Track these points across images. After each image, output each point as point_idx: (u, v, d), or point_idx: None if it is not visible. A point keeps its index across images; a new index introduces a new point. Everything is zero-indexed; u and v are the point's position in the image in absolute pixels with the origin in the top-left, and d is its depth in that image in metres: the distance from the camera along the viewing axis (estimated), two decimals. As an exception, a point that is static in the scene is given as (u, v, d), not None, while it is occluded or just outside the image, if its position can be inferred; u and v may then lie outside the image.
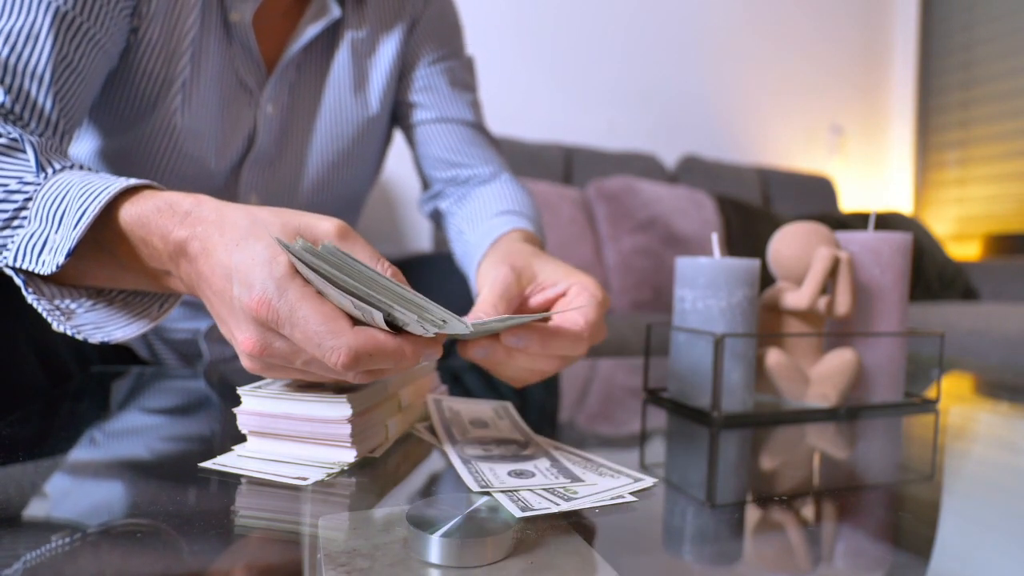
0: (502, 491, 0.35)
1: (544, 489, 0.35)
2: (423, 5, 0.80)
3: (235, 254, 0.36)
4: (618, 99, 2.51)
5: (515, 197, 0.77)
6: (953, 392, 0.76)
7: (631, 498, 0.35)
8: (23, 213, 0.45)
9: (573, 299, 0.48)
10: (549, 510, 0.32)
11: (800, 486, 0.42)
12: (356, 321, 0.35)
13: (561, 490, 0.35)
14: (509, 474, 0.37)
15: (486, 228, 0.70)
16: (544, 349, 0.44)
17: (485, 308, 0.46)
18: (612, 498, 0.35)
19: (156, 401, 0.59)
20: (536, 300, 0.50)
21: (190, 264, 0.39)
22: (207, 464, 0.39)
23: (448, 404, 0.51)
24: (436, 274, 0.87)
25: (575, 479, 0.37)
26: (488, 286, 0.48)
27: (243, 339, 0.36)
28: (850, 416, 0.59)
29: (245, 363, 0.37)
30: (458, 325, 0.35)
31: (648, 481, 0.38)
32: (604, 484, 0.37)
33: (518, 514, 0.31)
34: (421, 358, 0.36)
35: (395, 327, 0.35)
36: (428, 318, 0.34)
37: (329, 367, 0.34)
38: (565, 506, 0.33)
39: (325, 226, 0.38)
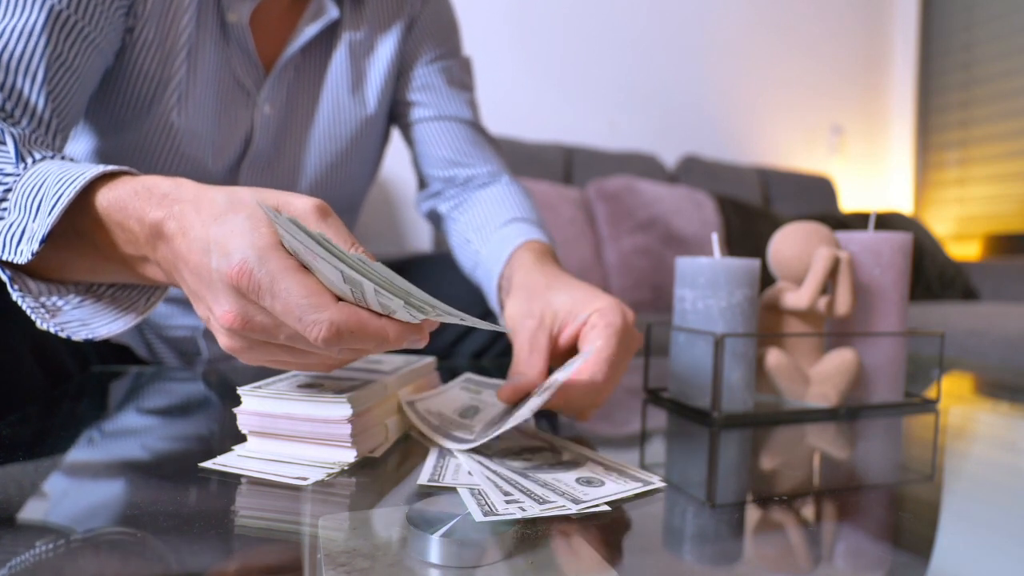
0: (469, 490, 0.34)
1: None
2: (420, 5, 0.80)
3: (213, 227, 0.35)
4: (618, 99, 2.51)
5: (518, 202, 0.77)
6: (953, 392, 0.76)
7: (606, 507, 0.34)
8: (3, 204, 0.45)
9: (590, 333, 0.48)
10: (514, 515, 0.31)
11: (800, 486, 0.42)
12: (339, 298, 0.34)
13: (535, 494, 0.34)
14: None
15: (497, 240, 0.70)
16: (569, 406, 0.46)
17: (527, 373, 0.47)
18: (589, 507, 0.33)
19: (156, 401, 0.59)
20: (564, 338, 0.50)
21: (166, 245, 0.38)
22: (207, 464, 0.39)
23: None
24: (436, 274, 0.87)
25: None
26: (523, 347, 0.49)
27: (222, 313, 0.34)
28: (850, 416, 0.59)
29: (224, 341, 0.36)
30: (445, 316, 0.34)
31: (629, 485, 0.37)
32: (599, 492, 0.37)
33: (479, 517, 0.30)
34: (404, 342, 0.35)
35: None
36: (415, 304, 0.33)
37: (310, 342, 0.33)
38: (531, 512, 0.32)
39: (302, 203, 0.36)
